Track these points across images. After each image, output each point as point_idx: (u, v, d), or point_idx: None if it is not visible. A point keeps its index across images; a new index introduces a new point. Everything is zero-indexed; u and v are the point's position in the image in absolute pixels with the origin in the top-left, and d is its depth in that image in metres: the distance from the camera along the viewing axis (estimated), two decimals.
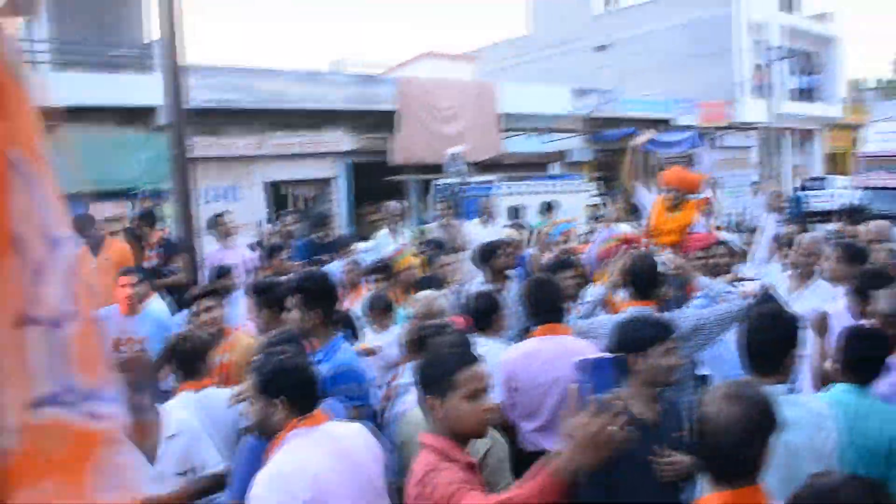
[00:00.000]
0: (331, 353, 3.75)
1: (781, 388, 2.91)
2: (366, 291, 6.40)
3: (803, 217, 8.76)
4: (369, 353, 4.77)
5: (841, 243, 5.05)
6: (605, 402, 1.89)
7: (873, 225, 6.04)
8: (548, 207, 10.90)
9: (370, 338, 5.10)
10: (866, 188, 17.09)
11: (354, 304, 6.10)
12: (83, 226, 7.03)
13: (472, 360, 2.52)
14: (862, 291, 4.08)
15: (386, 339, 4.99)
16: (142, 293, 5.83)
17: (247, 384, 2.90)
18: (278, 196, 16.66)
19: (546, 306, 4.19)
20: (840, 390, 3.28)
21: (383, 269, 6.34)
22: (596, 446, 1.89)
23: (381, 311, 5.36)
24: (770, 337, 3.04)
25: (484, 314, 4.41)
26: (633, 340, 3.11)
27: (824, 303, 4.78)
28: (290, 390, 2.69)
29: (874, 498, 1.78)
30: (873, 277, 4.13)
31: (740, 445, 2.03)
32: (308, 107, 16.24)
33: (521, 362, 3.97)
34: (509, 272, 6.00)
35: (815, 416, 2.93)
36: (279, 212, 8.86)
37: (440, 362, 2.54)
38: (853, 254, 4.86)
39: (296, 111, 16.14)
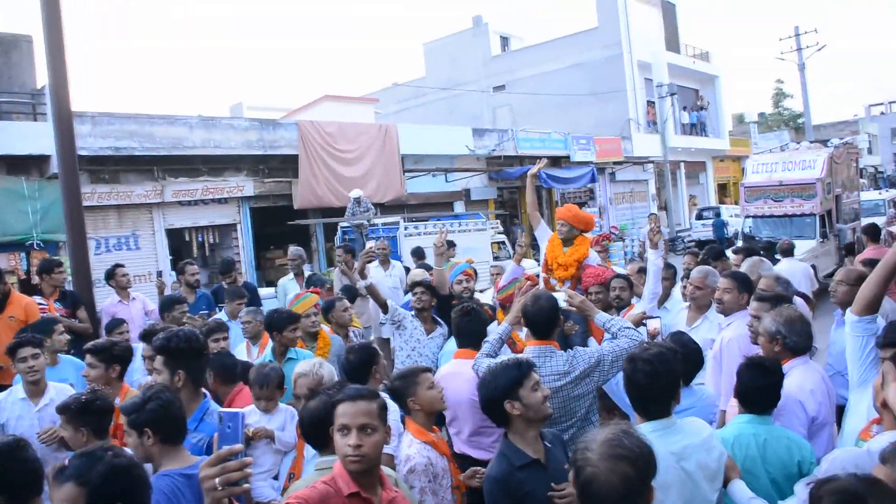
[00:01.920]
0: (202, 419, 3.66)
1: (658, 424, 3.00)
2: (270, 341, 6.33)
3: (720, 247, 9.03)
4: (263, 435, 4.34)
5: (729, 273, 5.28)
6: (219, 456, 2.00)
7: (748, 263, 6.30)
8: (449, 245, 11.08)
9: (256, 419, 4.39)
10: (752, 216, 17.90)
11: (260, 356, 6.04)
12: None
13: (344, 399, 2.72)
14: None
15: (277, 422, 4.41)
16: (63, 342, 5.72)
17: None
18: (179, 243, 16.37)
19: (466, 333, 4.78)
20: (743, 421, 3.43)
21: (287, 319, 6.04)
22: (204, 493, 2.02)
23: (272, 388, 4.46)
24: (647, 383, 3.00)
25: (357, 369, 4.36)
26: (498, 389, 3.21)
27: (718, 333, 5.04)
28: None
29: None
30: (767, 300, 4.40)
31: (626, 501, 2.09)
32: (208, 152, 16.09)
33: (444, 381, 4.26)
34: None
35: (702, 440, 3.07)
36: (181, 260, 8.71)
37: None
38: (742, 283, 5.11)
39: (196, 157, 15.96)
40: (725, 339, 4.67)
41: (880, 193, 27.28)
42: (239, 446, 2.04)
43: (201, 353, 3.86)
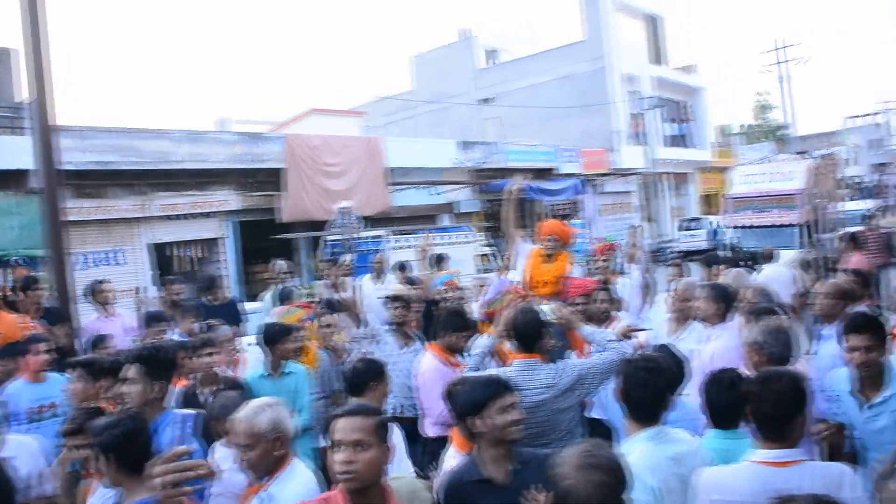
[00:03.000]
0: (163, 428, 3.55)
1: (654, 431, 3.05)
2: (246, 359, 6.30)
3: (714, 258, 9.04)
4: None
5: (709, 285, 5.32)
6: (168, 457, 2.01)
7: (733, 274, 6.36)
8: (438, 259, 11.05)
9: (219, 454, 3.79)
10: (736, 227, 18.08)
11: (237, 373, 6.01)
12: None
13: (340, 415, 2.68)
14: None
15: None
16: (50, 360, 5.65)
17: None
18: (164, 258, 16.29)
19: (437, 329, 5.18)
20: (712, 437, 3.42)
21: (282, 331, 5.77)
22: (156, 488, 2.02)
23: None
24: (643, 387, 3.08)
25: (360, 377, 4.35)
26: (467, 403, 3.20)
27: (699, 344, 5.06)
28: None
29: None
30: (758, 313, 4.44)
31: None
32: (193, 166, 16.05)
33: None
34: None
35: (694, 447, 3.15)
36: (165, 276, 8.68)
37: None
38: (718, 294, 5.15)
39: (181, 171, 15.91)
40: (712, 354, 4.66)
41: (861, 203, 27.49)
42: (189, 447, 2.06)
43: (175, 367, 3.95)
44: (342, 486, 2.56)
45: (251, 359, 6.25)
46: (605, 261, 6.58)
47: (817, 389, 5.22)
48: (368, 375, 4.28)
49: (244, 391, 5.39)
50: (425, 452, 5.35)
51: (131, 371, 3.67)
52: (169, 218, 15.93)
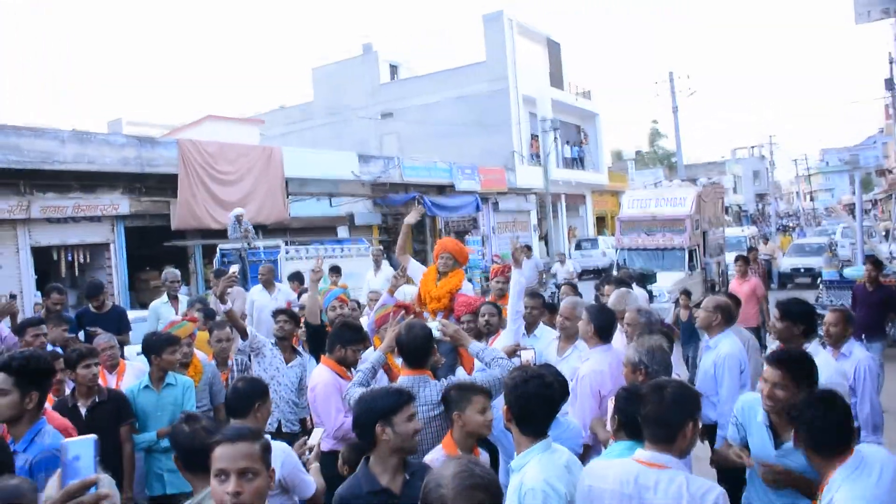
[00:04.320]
0: (33, 439, 3.44)
1: (545, 443, 3.12)
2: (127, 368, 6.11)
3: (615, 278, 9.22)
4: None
5: (589, 306, 5.46)
6: (70, 492, 1.71)
7: (614, 295, 6.51)
8: (332, 270, 11.01)
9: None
10: (626, 248, 18.63)
11: (120, 383, 5.82)
12: None
13: (222, 440, 2.50)
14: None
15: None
16: None
17: None
18: (48, 262, 15.56)
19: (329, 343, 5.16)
20: (624, 447, 3.38)
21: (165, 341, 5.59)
22: None
23: None
24: (535, 402, 3.11)
25: (241, 400, 4.05)
26: (374, 411, 3.21)
27: (583, 361, 5.18)
28: None
29: None
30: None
31: None
32: (81, 168, 15.42)
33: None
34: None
35: (574, 458, 3.24)
36: (48, 280, 8.28)
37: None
38: (598, 315, 5.26)
39: (66, 172, 15.25)
40: (580, 374, 4.72)
41: (743, 230, 28.86)
42: (93, 477, 1.76)
43: (53, 374, 3.73)
44: None
45: (137, 369, 6.07)
46: (503, 283, 6.63)
47: (703, 398, 5.50)
48: (254, 396, 4.01)
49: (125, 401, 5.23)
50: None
51: (1, 381, 3.43)
52: (52, 221, 15.21)
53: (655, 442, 2.83)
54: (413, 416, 3.23)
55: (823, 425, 3.01)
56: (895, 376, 9.89)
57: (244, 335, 5.97)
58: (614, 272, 16.71)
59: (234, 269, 6.56)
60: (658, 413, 2.83)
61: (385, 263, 12.01)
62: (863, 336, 9.02)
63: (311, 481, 4.03)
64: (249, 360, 6.06)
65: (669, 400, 2.82)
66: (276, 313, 6.26)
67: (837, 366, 4.78)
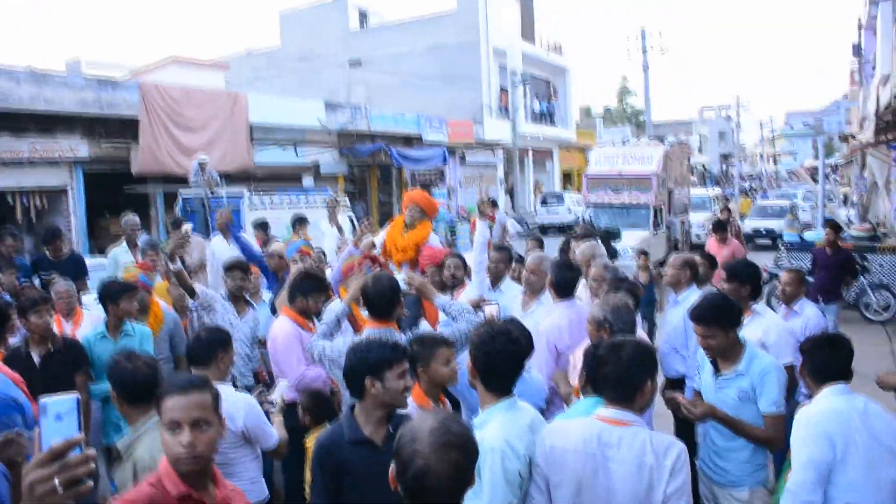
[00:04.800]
0: None
1: (511, 402, 3.10)
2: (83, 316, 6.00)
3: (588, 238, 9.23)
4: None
5: (554, 263, 5.48)
6: (54, 451, 1.59)
7: (584, 245, 6.58)
8: (298, 221, 10.85)
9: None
10: (593, 205, 18.70)
11: (76, 331, 5.71)
12: None
13: (172, 391, 2.47)
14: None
15: None
16: None
17: None
18: (4, 207, 15.16)
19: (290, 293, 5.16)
20: (590, 403, 3.38)
21: (122, 289, 5.49)
22: (34, 501, 1.60)
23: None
24: (499, 358, 3.09)
25: (205, 348, 4.04)
26: (365, 363, 3.14)
27: (547, 316, 5.20)
28: None
29: None
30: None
31: (457, 491, 2.05)
32: (38, 110, 14.96)
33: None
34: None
35: (538, 416, 3.26)
36: (2, 226, 8.09)
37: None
38: (563, 270, 5.29)
39: (22, 114, 14.77)
40: (539, 329, 4.70)
41: (707, 191, 29.10)
42: (79, 437, 1.66)
43: (7, 319, 3.66)
44: (177, 469, 2.38)
45: (94, 317, 5.96)
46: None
47: (669, 350, 5.63)
48: (216, 345, 4.00)
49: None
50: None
51: None
52: (6, 164, 14.75)
53: (615, 401, 2.84)
54: (405, 373, 3.18)
55: None
56: (851, 338, 10.09)
57: (192, 294, 5.86)
58: (576, 230, 16.85)
59: (187, 227, 6.42)
60: (617, 373, 2.83)
61: (341, 213, 11.83)
62: (819, 298, 9.20)
63: (274, 433, 4.03)
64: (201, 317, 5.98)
65: (627, 359, 2.82)
66: (227, 268, 6.15)
67: (785, 325, 5.17)
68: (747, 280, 4.96)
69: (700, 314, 3.88)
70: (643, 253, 10.52)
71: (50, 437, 1.65)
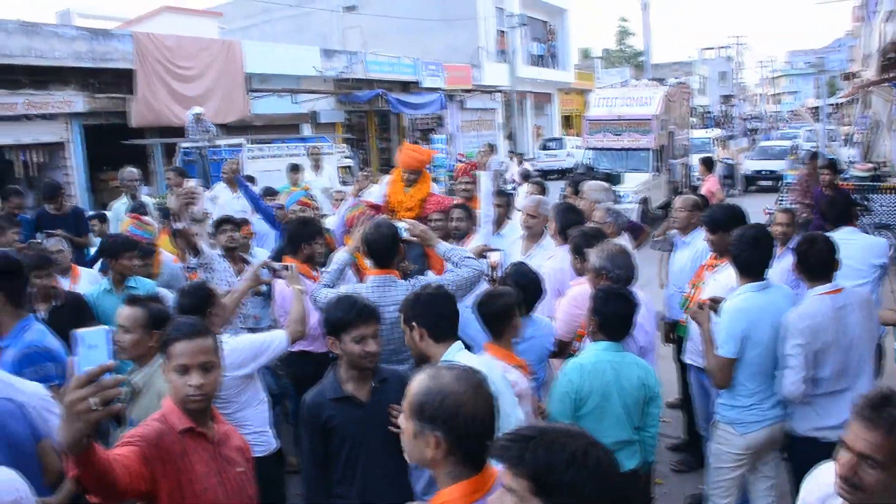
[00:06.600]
0: (19, 334, 3.49)
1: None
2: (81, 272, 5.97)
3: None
4: None
5: (557, 206, 5.47)
6: (90, 375, 1.82)
7: (592, 184, 6.58)
8: (293, 169, 10.79)
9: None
10: (593, 149, 18.55)
11: (74, 287, 5.70)
12: None
13: (179, 337, 2.63)
14: (579, 250, 4.50)
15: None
16: None
17: None
18: (3, 162, 15.05)
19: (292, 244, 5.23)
20: (600, 349, 3.60)
21: (123, 245, 5.45)
22: (72, 418, 1.83)
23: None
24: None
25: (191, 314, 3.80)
26: (328, 321, 3.23)
27: (548, 259, 5.22)
28: None
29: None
30: (587, 237, 4.55)
31: (489, 432, 2.02)
32: (30, 62, 14.77)
33: None
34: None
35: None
36: (4, 183, 8.04)
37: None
38: (566, 214, 5.29)
39: (15, 66, 14.58)
40: (542, 272, 4.67)
41: (708, 132, 28.88)
42: (111, 363, 1.90)
43: (20, 273, 3.66)
44: (185, 407, 2.60)
45: (92, 275, 5.96)
46: (468, 183, 6.52)
47: (676, 291, 5.64)
48: (201, 305, 3.84)
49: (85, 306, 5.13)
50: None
51: None
52: (5, 118, 14.55)
53: (820, 279, 3.86)
54: (365, 337, 3.14)
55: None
56: None
57: (196, 253, 5.78)
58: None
59: (192, 183, 6.33)
60: (823, 258, 3.86)
61: (326, 163, 12.06)
62: None
63: (276, 335, 4.08)
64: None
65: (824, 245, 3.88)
66: (218, 223, 6.08)
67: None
68: (730, 225, 4.70)
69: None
70: (644, 201, 10.60)
71: (85, 363, 1.88)
